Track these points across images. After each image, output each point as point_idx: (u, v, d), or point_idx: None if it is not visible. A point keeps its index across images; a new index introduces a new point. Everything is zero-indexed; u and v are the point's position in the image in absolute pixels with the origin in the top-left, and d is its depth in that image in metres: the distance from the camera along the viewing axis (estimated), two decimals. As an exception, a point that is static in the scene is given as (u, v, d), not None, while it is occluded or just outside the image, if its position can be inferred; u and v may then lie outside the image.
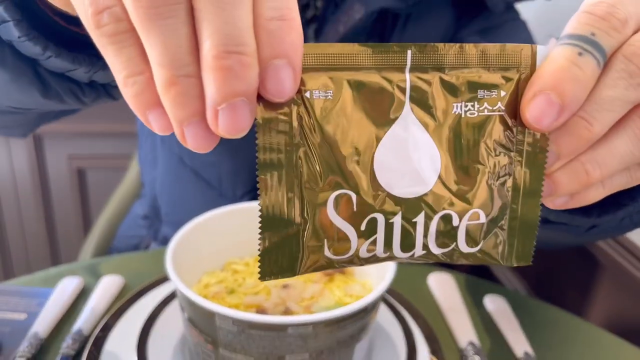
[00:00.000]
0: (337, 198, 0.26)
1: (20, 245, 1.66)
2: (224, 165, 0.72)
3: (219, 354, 0.42)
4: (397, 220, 0.27)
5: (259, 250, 0.26)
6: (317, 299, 0.50)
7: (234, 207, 0.54)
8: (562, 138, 0.27)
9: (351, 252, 0.28)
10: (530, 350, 0.54)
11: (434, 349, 0.52)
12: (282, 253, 0.27)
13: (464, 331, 0.55)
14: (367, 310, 0.43)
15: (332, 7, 0.65)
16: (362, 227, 0.27)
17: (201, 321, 0.42)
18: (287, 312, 0.48)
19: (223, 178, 0.73)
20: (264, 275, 0.27)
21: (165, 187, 0.81)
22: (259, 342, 0.40)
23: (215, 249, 0.54)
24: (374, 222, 0.27)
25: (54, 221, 1.63)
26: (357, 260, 0.28)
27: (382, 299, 0.53)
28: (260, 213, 0.26)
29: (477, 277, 0.67)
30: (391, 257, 0.28)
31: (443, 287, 0.63)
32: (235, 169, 0.72)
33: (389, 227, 0.27)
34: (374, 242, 0.27)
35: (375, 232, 0.27)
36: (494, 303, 0.61)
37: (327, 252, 0.27)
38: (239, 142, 0.68)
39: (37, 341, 0.52)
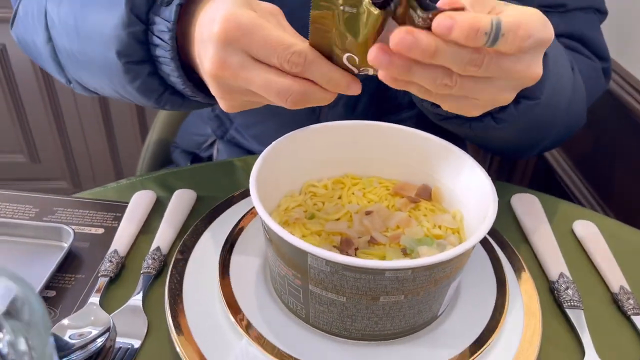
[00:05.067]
0: None
1: (86, 161, 1.72)
2: (268, 124, 0.76)
3: (308, 289, 0.41)
4: None
5: None
6: (403, 229, 0.47)
7: (312, 127, 0.50)
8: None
9: None
10: (626, 284, 0.51)
11: (522, 280, 0.50)
12: None
13: (554, 261, 0.53)
14: (467, 253, 0.40)
15: None
16: None
17: (291, 258, 0.40)
18: (372, 242, 0.46)
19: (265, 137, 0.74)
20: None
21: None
22: (353, 283, 0.38)
23: (294, 170, 0.51)
24: None
25: (114, 136, 1.67)
26: None
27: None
28: None
29: (563, 199, 0.63)
30: None
31: (528, 211, 0.59)
32: (276, 128, 0.70)
33: None
34: None
35: None
36: (584, 229, 0.57)
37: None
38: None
39: (118, 259, 0.52)
